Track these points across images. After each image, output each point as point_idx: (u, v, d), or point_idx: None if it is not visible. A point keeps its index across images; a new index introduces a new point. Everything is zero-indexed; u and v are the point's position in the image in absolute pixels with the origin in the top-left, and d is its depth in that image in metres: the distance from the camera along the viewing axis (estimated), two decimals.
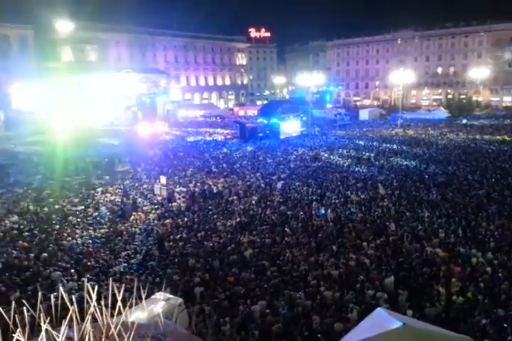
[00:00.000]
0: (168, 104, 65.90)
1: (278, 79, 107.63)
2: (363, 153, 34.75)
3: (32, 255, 14.60)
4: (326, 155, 34.49)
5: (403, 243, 15.29)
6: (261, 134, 44.39)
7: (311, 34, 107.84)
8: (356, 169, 28.76)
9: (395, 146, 37.70)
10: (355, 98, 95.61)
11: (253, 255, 14.58)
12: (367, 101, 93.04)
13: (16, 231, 17.33)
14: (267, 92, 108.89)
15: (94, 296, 1.39)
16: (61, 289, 1.62)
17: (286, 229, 17.08)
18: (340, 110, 70.67)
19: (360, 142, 40.85)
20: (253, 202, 21.40)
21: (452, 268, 12.79)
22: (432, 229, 16.59)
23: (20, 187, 24.68)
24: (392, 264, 13.34)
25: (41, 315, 1.18)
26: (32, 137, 48.10)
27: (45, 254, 14.63)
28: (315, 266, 13.47)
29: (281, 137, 44.53)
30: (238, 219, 18.66)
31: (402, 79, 63.28)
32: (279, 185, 24.08)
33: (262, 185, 24.67)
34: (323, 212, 19.27)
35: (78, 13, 66.44)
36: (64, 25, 65.89)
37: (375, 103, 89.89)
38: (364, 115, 65.41)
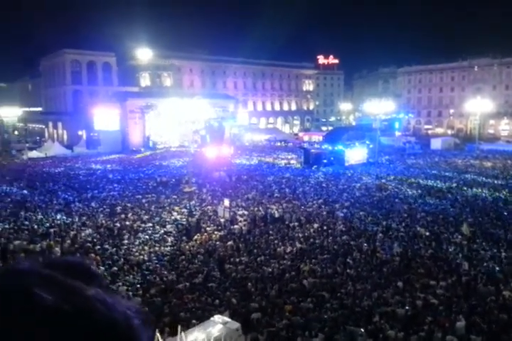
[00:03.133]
0: (235, 128, 67.97)
1: (344, 106, 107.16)
2: (435, 184, 33.08)
3: (102, 268, 15.46)
4: (393, 184, 33.29)
5: (477, 284, 14.16)
6: (325, 160, 44.00)
7: (381, 61, 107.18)
8: (426, 201, 27.38)
9: (470, 178, 35.48)
10: (427, 126, 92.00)
11: (313, 285, 14.26)
12: (440, 130, 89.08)
13: (89, 244, 18.52)
14: (332, 118, 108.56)
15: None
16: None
17: (348, 260, 16.57)
18: (410, 138, 68.25)
19: (432, 172, 39.00)
20: (314, 229, 21.10)
21: None
22: (511, 271, 15.20)
23: (96, 202, 26.47)
24: (463, 307, 12.36)
25: None
26: (109, 156, 51.87)
27: (115, 268, 15.45)
28: (378, 302, 12.86)
29: (346, 164, 43.81)
30: (299, 246, 18.45)
31: (479, 107, 60.05)
32: (341, 213, 23.62)
33: (324, 213, 24.28)
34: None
35: (157, 42, 72.00)
36: (144, 53, 71.48)
37: (449, 132, 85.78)
38: (436, 144, 62.45)
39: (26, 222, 21.83)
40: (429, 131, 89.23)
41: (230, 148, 52.86)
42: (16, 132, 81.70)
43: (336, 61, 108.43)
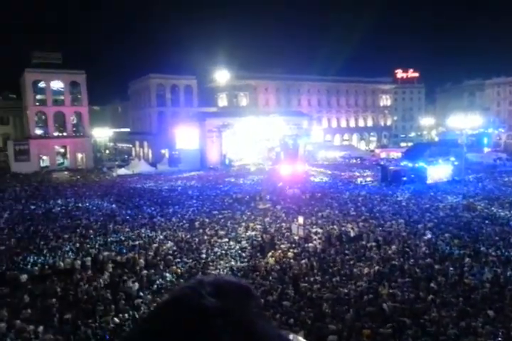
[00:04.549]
0: (309, 145, 67.80)
1: (426, 121, 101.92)
2: None
3: (181, 280, 16.11)
4: (482, 204, 30.70)
5: None
6: (405, 178, 42.00)
7: (465, 73, 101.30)
8: None
9: None
10: None
11: (393, 309, 13.51)
12: None
13: (170, 257, 19.45)
14: (412, 134, 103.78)
15: None
16: None
17: (432, 284, 15.49)
18: (501, 154, 62.91)
19: None
20: (393, 250, 20.08)
21: None
22: None
23: (176, 217, 27.81)
24: None
25: None
26: (189, 173, 54.42)
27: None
28: (466, 332, 11.80)
29: (428, 182, 41.40)
30: (377, 268, 17.66)
31: None
32: (428, 235, 22.17)
33: (404, 234, 23.04)
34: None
35: (233, 64, 75.04)
36: (222, 75, 74.77)
37: None
38: None
39: (114, 235, 23.57)
40: None
41: (305, 165, 52.73)
42: (107, 151, 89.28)
43: (416, 74, 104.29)
